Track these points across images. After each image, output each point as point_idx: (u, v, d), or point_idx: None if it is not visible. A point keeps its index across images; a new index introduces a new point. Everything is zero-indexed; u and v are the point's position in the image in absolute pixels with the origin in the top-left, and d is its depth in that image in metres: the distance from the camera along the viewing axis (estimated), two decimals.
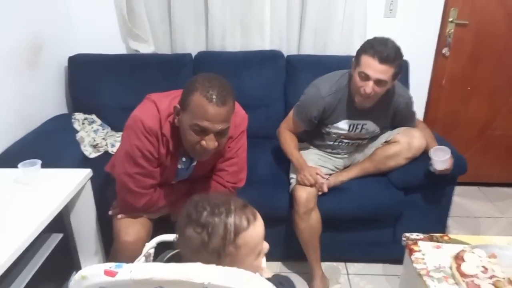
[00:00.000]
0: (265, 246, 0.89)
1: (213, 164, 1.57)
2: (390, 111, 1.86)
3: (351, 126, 1.85)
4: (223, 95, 1.26)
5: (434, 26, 2.50)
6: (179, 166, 1.53)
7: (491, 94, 2.62)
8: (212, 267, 0.72)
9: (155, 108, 1.39)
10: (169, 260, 1.00)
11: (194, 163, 1.55)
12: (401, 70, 1.67)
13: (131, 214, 1.52)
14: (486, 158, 2.73)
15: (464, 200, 2.66)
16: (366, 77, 1.63)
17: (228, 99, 1.28)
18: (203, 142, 1.30)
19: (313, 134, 1.98)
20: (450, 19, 2.45)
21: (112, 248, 1.53)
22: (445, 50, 2.52)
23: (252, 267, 0.85)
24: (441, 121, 2.66)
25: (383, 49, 1.59)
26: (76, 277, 0.75)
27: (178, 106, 1.34)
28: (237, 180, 1.60)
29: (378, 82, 1.62)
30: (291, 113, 1.92)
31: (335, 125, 1.85)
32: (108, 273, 0.71)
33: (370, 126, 1.88)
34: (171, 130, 1.40)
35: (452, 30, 2.47)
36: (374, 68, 1.59)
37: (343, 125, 1.85)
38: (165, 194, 1.54)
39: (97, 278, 0.72)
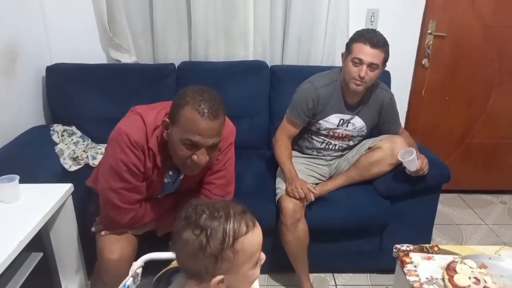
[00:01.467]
0: (262, 256, 0.88)
1: (201, 177, 1.54)
2: (376, 106, 1.94)
3: (341, 121, 1.92)
4: (214, 108, 1.23)
5: (414, 38, 2.56)
6: (166, 180, 1.49)
7: (468, 104, 2.69)
8: None
9: (141, 121, 1.35)
10: (158, 280, 0.96)
11: (181, 177, 1.51)
12: (389, 57, 1.79)
13: (116, 230, 1.46)
14: (465, 166, 2.79)
15: (445, 207, 2.71)
16: (360, 62, 1.73)
17: (219, 113, 1.25)
18: (194, 157, 1.28)
19: (302, 137, 2.01)
20: (429, 31, 2.51)
21: (95, 267, 1.46)
22: (424, 61, 2.57)
23: (247, 277, 0.84)
24: (421, 131, 2.71)
25: (373, 36, 1.73)
26: None
27: (167, 119, 1.30)
28: (224, 193, 1.57)
29: (370, 66, 1.73)
30: (285, 117, 1.95)
31: (325, 119, 1.91)
32: None
33: (358, 122, 1.94)
34: (158, 143, 1.36)
35: (431, 42, 2.53)
36: (367, 52, 1.71)
37: (333, 119, 1.91)
38: (151, 208, 1.49)
39: None
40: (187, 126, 1.23)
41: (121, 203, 1.39)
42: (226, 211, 0.81)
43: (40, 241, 1.44)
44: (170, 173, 1.48)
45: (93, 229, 1.49)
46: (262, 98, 2.37)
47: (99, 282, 1.41)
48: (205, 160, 1.29)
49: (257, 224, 0.85)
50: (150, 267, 1.14)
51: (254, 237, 0.82)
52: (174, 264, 0.94)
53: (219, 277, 0.78)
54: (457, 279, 1.15)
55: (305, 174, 1.92)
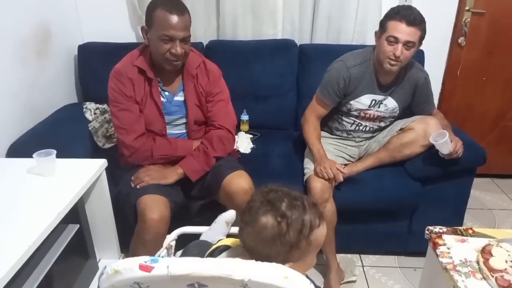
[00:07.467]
0: None
1: (201, 108, 1.72)
2: (410, 87, 1.88)
3: (372, 102, 1.87)
4: (180, 6, 1.51)
5: (450, 15, 2.45)
6: (163, 100, 1.66)
7: (506, 85, 2.58)
8: (251, 262, 0.70)
9: (128, 55, 1.66)
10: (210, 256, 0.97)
11: (178, 97, 1.68)
12: (425, 34, 1.71)
13: (137, 161, 1.64)
14: (500, 150, 2.70)
15: (477, 192, 2.64)
16: (395, 40, 1.67)
17: (184, 10, 1.52)
18: (172, 50, 1.51)
19: (332, 118, 1.98)
20: (467, 8, 2.41)
21: (135, 230, 1.51)
22: (461, 40, 2.47)
23: (308, 265, 0.87)
24: (454, 112, 2.62)
25: (410, 13, 1.66)
26: (108, 270, 0.73)
27: (145, 26, 1.55)
28: (226, 122, 1.72)
29: (406, 44, 1.67)
30: (314, 96, 1.92)
31: (357, 99, 1.87)
32: (143, 268, 0.69)
33: (390, 103, 1.89)
34: (146, 60, 1.61)
35: (469, 19, 2.43)
36: (403, 31, 1.65)
37: (365, 100, 1.87)
38: (161, 143, 1.66)
39: (131, 273, 0.70)
40: (161, 24, 1.48)
41: (120, 124, 1.62)
42: (302, 201, 0.83)
43: (76, 214, 1.50)
44: (166, 93, 1.67)
45: (132, 184, 1.58)
46: (291, 78, 2.35)
47: (139, 243, 1.49)
48: (181, 51, 1.52)
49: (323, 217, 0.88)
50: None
51: (323, 229, 0.85)
52: (223, 242, 0.95)
53: (288, 265, 0.79)
54: (493, 262, 1.12)
55: (333, 155, 1.90)
